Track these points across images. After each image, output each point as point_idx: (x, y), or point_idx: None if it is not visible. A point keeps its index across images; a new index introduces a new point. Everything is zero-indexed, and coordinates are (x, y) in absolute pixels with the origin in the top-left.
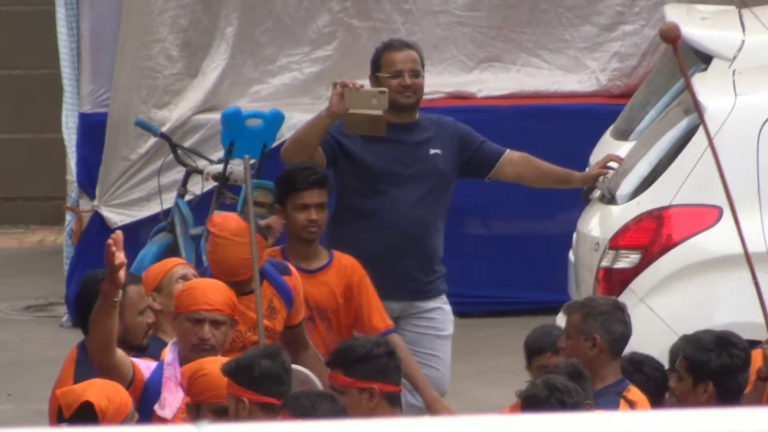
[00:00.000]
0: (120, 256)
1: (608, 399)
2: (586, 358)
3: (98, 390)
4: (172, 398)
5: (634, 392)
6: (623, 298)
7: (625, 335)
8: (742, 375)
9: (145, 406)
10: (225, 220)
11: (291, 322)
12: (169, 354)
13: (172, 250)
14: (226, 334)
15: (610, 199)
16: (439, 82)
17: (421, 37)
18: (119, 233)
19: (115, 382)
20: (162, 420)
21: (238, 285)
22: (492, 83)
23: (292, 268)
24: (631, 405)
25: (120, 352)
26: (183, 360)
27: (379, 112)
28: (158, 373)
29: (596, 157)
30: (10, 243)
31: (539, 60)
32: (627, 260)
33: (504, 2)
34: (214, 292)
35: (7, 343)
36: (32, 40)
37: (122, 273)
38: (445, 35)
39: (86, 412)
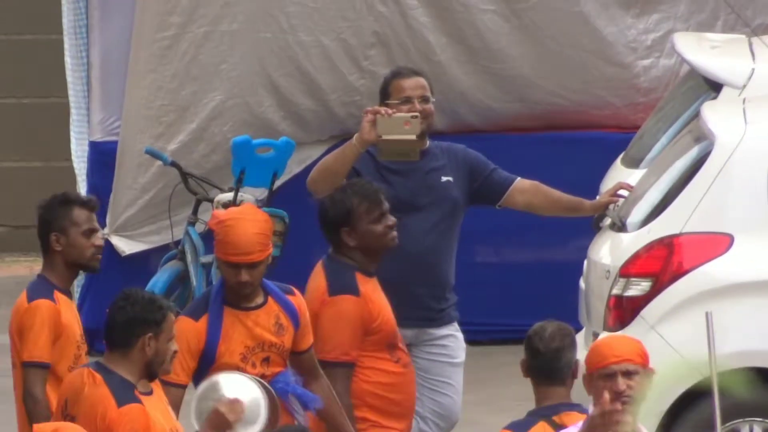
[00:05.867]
0: None
1: (526, 420)
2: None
3: None
4: None
5: (571, 416)
6: (634, 326)
7: (537, 361)
8: None
9: None
10: (228, 209)
11: (298, 347)
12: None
13: (182, 278)
14: (641, 384)
15: (620, 226)
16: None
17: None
18: None
19: None
20: None
21: (246, 297)
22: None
23: (294, 289)
24: (556, 427)
25: None
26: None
27: (413, 137)
28: None
29: (606, 184)
30: (21, 271)
31: (562, 100)
32: (638, 288)
33: (526, 53)
34: (622, 344)
35: (7, 370)
36: (42, 69)
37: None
38: (472, 83)
39: None
